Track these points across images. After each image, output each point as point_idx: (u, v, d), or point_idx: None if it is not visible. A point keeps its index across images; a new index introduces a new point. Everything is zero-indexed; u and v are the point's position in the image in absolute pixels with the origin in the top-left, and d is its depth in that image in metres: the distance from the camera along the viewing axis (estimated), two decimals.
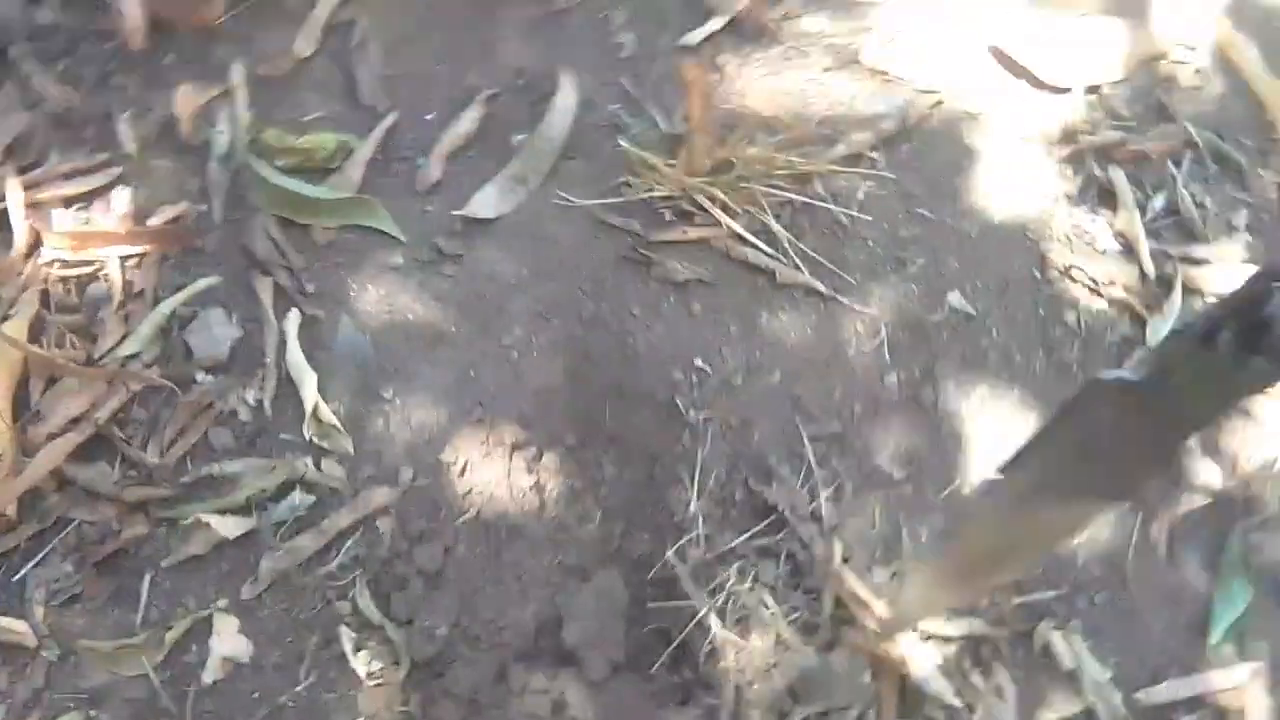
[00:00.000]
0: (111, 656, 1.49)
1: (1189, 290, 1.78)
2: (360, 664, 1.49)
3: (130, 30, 1.87)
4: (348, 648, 1.49)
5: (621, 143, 1.79)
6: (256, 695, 1.48)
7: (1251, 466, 1.68)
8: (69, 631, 1.51)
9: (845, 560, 1.57)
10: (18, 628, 1.48)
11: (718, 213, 1.74)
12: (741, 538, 1.59)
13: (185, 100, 1.81)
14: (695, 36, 1.91)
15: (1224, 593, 1.58)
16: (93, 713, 1.46)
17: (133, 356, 1.66)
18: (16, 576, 1.53)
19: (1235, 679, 1.53)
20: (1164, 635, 1.58)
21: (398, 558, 1.55)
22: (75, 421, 1.62)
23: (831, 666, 1.50)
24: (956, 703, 1.49)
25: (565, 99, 1.83)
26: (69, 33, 1.91)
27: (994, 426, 1.70)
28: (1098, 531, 1.64)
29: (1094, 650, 1.57)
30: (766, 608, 1.53)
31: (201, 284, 1.72)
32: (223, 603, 1.53)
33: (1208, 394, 0.88)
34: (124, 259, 1.73)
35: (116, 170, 1.80)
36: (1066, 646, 1.56)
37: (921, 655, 1.50)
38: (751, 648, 1.51)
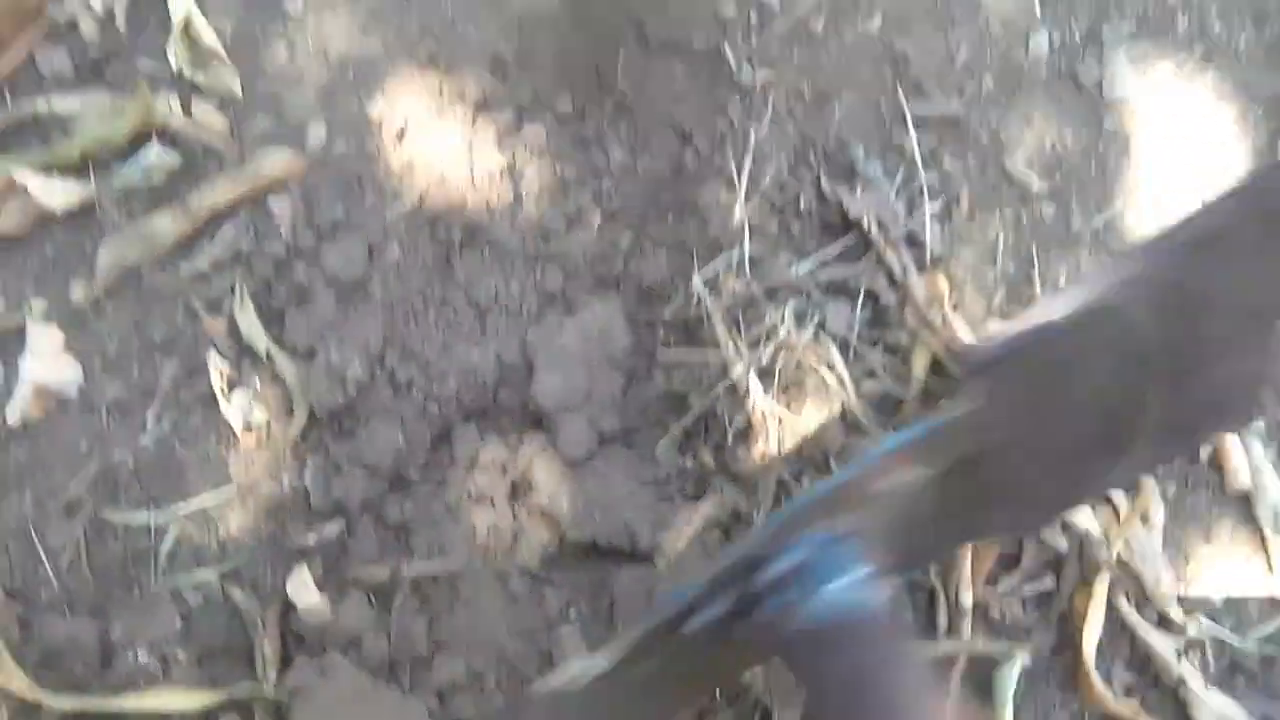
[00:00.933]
0: None
1: None
2: (235, 409, 1.13)
3: None
4: (218, 384, 1.13)
5: None
6: (84, 446, 1.11)
7: None
8: None
9: (954, 306, 1.15)
10: None
11: None
12: (804, 264, 1.18)
13: None
14: None
15: None
16: None
17: None
18: None
19: None
20: None
21: (299, 258, 1.17)
22: None
23: None
24: (1092, 529, 1.12)
25: None
26: None
27: (1176, 122, 1.27)
28: None
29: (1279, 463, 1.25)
30: (830, 368, 1.13)
31: None
32: (41, 305, 1.16)
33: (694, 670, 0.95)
34: None
35: None
36: (1243, 457, 1.20)
37: None
38: (804, 423, 1.11)
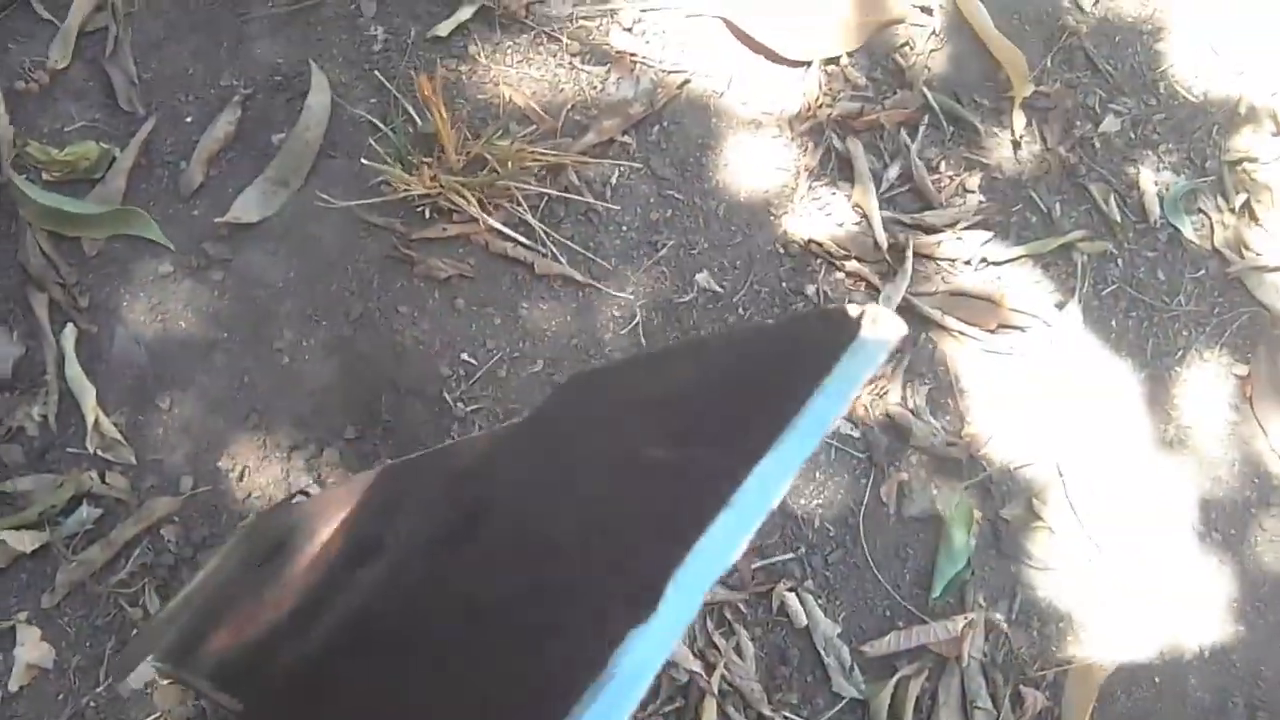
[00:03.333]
0: None
1: (921, 256, 2.05)
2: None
3: None
4: None
5: (373, 144, 1.97)
6: (61, 697, 1.69)
7: (974, 428, 1.98)
8: None
9: None
10: None
11: (474, 209, 1.95)
12: None
13: None
14: (445, 27, 2.07)
15: (947, 549, 1.89)
16: None
17: None
18: None
19: (952, 630, 1.84)
20: (892, 590, 1.87)
21: (183, 563, 1.75)
22: None
23: None
24: (696, 666, 1.75)
25: (319, 97, 2.00)
26: None
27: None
28: (834, 494, 1.93)
29: (826, 607, 1.79)
30: None
31: None
32: (24, 614, 1.73)
33: None
34: None
35: None
36: (800, 605, 1.78)
37: None
38: None
